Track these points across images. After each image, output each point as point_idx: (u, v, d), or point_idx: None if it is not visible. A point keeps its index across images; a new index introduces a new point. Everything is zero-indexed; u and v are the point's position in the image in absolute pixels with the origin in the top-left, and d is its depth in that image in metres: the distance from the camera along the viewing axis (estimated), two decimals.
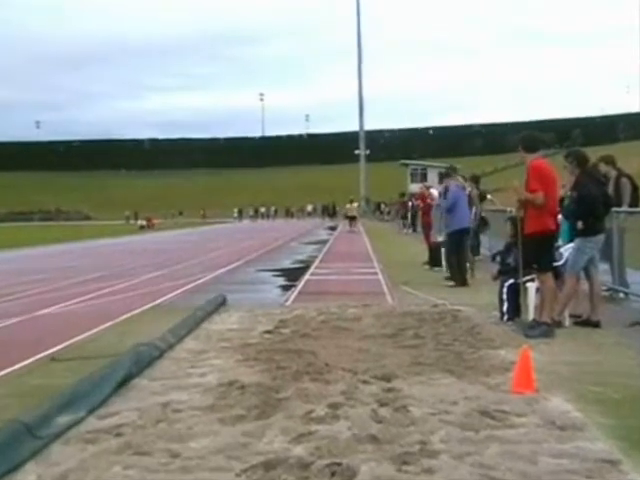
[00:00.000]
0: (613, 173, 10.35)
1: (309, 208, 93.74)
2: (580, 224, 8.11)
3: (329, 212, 75.46)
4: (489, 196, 16.90)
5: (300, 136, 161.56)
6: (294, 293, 12.46)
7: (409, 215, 34.46)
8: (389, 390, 5.47)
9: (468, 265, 13.25)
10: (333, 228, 48.37)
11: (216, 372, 6.26)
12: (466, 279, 12.79)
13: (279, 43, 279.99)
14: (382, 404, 5.07)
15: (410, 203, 34.27)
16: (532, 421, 4.64)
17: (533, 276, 8.19)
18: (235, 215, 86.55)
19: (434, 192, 18.30)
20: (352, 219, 43.65)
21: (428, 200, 18.25)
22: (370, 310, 9.85)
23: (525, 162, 7.96)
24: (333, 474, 3.80)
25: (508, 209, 14.34)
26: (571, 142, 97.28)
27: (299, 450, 4.18)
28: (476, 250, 15.50)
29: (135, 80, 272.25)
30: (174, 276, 15.74)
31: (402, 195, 44.26)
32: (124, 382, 5.81)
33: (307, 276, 15.43)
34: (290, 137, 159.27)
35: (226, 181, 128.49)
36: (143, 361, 6.46)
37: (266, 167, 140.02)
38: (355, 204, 47.67)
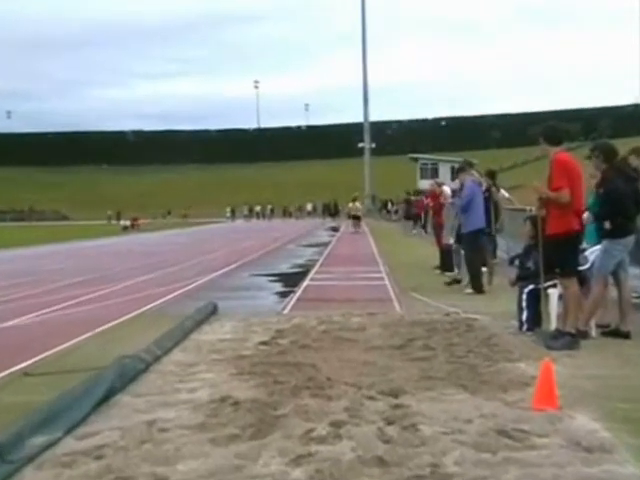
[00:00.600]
0: None
1: (309, 207, 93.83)
2: (608, 224, 8.09)
3: (330, 211, 75.56)
4: (506, 194, 16.88)
5: (299, 128, 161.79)
6: (292, 300, 12.45)
7: (421, 215, 34.52)
8: (397, 407, 5.46)
9: (485, 269, 13.23)
10: (335, 229, 48.40)
11: (207, 387, 6.25)
12: (482, 285, 12.77)
13: (276, 25, 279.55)
14: (389, 422, 5.06)
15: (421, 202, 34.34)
16: (555, 442, 4.62)
17: (556, 281, 8.18)
18: (227, 214, 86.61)
19: (447, 189, 18.28)
20: (356, 219, 44.05)
21: (441, 199, 18.22)
22: (376, 319, 9.84)
23: (548, 156, 7.94)
24: None
25: (527, 208, 14.33)
26: (598, 134, 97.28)
27: (298, 473, 4.17)
28: (492, 253, 15.49)
29: (117, 66, 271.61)
30: (162, 281, 15.74)
31: (409, 193, 44.26)
32: (105, 398, 5.80)
33: (307, 281, 15.42)
34: (288, 129, 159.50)
35: (218, 177, 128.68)
36: (126, 375, 6.45)
37: (261, 162, 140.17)
38: (358, 203, 47.89)
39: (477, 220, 12.90)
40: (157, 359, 7.37)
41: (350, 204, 47.01)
